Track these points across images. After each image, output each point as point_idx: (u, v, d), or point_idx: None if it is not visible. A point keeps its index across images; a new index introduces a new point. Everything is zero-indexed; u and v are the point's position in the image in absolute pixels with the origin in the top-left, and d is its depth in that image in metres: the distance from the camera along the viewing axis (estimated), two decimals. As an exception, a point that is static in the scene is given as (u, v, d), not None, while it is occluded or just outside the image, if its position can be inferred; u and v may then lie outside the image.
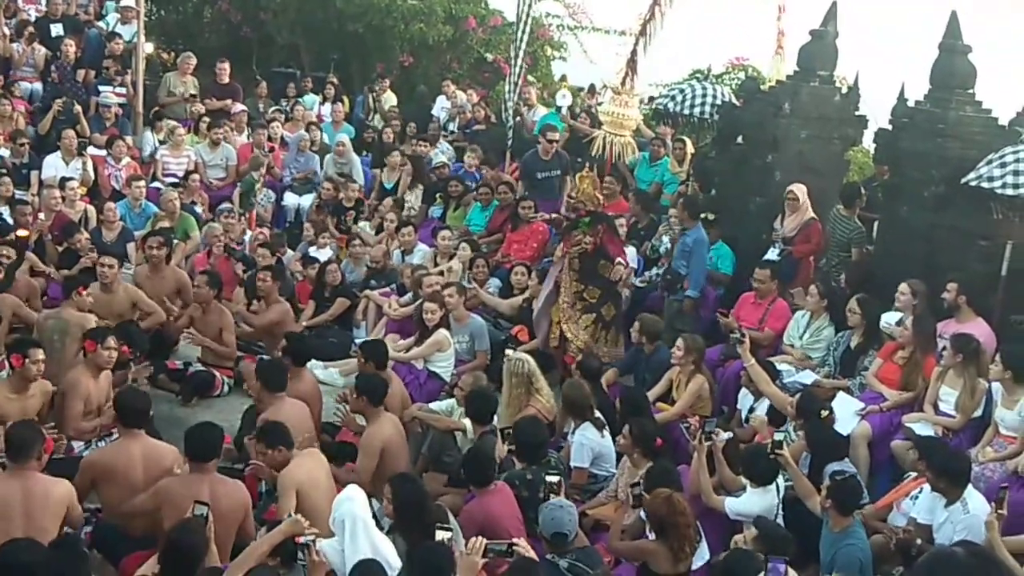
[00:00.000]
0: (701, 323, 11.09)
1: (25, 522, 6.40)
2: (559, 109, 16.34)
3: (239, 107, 16.81)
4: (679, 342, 9.65)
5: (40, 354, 8.24)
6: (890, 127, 11.59)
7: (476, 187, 14.25)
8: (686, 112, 13.91)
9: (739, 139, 12.69)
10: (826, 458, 7.96)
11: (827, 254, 11.53)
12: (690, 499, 7.37)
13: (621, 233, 11.80)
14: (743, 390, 9.53)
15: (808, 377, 9.53)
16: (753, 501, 7.59)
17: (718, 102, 13.78)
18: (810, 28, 12.10)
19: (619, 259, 10.69)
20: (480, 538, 6.15)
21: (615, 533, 7.42)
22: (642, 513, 7.29)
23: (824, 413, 8.34)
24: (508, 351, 9.54)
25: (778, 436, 7.78)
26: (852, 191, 11.73)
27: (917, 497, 7.60)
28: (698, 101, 13.86)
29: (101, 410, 8.52)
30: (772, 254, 11.42)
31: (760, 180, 12.01)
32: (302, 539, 6.26)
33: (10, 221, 12.22)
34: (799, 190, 11.36)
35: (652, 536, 7.06)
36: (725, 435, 8.38)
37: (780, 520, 7.47)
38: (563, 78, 20.69)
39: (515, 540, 6.37)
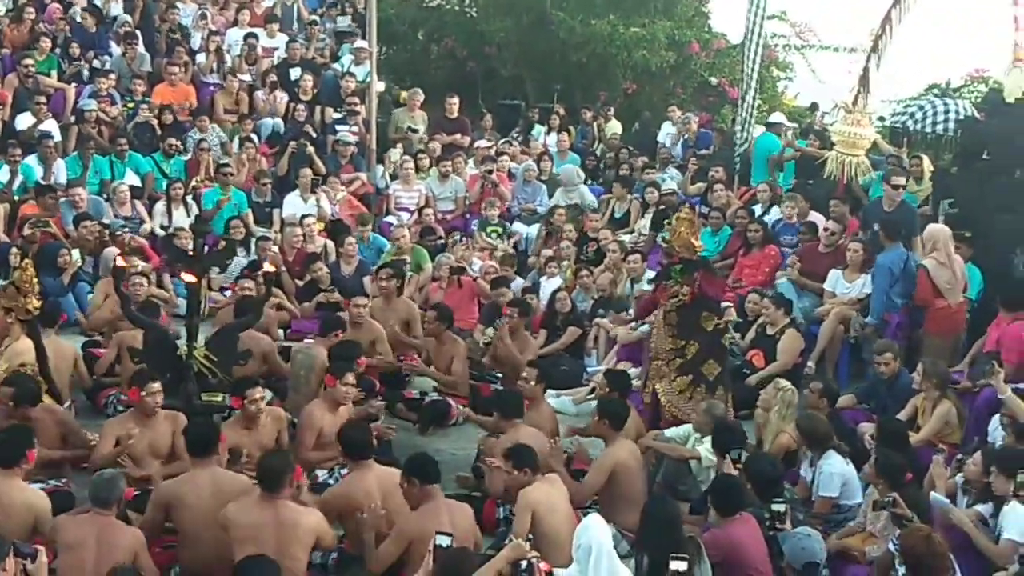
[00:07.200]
0: None
1: (276, 550, 6.56)
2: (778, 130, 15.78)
3: (482, 143, 17.17)
4: (918, 368, 9.30)
5: (257, 393, 8.40)
6: None
7: (706, 212, 14.08)
8: (927, 130, 13.31)
9: (984, 154, 12.11)
10: None
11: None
12: (942, 530, 7.03)
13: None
14: (994, 419, 9.02)
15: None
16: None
17: (960, 117, 13.17)
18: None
19: (726, 303, 9.81)
20: None
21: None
22: (890, 545, 7.03)
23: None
24: (780, 380, 9.34)
25: (1021, 478, 7.30)
26: None
27: None
28: (940, 118, 13.21)
29: None
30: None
31: (1008, 196, 11.42)
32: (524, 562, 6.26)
33: (255, 258, 12.85)
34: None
35: (902, 570, 6.77)
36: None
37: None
38: (796, 97, 20.33)
39: None
